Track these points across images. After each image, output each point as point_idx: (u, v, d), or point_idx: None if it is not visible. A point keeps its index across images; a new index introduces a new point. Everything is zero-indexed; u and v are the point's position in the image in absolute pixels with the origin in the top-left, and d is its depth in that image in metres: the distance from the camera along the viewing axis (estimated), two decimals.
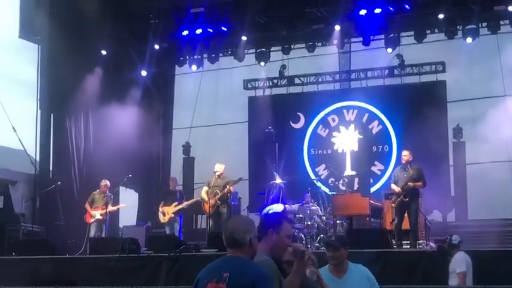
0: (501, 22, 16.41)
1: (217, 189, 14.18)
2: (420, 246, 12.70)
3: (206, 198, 14.20)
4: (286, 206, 14.34)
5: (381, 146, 17.99)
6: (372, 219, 14.36)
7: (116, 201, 16.10)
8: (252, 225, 4.53)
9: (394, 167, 15.78)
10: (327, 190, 16.23)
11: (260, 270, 4.30)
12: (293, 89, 19.44)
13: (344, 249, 5.74)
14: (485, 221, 16.46)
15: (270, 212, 4.94)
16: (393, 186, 13.02)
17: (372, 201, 13.50)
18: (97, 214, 15.08)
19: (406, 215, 12.76)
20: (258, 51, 18.42)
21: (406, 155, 13.07)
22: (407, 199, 12.64)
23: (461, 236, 16.08)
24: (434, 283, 9.77)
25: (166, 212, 15.15)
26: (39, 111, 16.89)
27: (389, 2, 16.14)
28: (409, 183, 12.66)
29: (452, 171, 17.30)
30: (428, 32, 17.01)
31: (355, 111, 18.35)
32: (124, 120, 17.71)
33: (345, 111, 18.48)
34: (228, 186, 14.18)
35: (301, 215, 14.42)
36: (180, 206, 15.08)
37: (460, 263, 9.27)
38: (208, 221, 14.40)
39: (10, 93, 17.72)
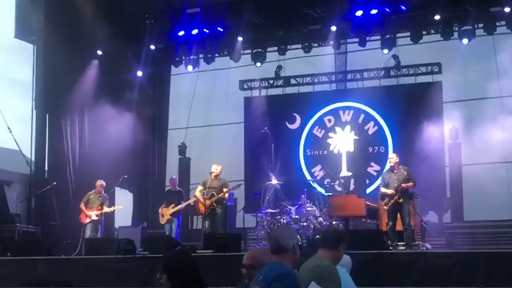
0: (497, 23, 16.40)
1: (213, 191, 14.13)
2: (416, 248, 12.70)
3: (201, 199, 14.16)
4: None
5: (376, 147, 17.98)
6: (368, 220, 14.38)
7: (111, 202, 16.07)
8: (295, 233, 5.07)
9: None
10: (322, 191, 16.24)
11: (282, 270, 4.63)
12: (289, 90, 19.42)
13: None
14: (480, 222, 16.51)
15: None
16: (384, 189, 13.05)
17: (367, 203, 13.50)
18: (93, 215, 15.06)
19: (398, 216, 12.81)
20: (254, 51, 18.41)
21: (393, 157, 13.23)
22: (401, 200, 12.69)
23: (457, 237, 16.30)
24: (429, 285, 9.77)
25: (165, 214, 15.15)
26: (34, 111, 16.84)
27: (385, 3, 16.13)
28: (402, 185, 12.72)
29: (448, 172, 17.30)
30: (424, 33, 17.02)
31: (351, 112, 18.34)
32: (119, 120, 17.69)
33: (341, 112, 18.46)
34: (225, 190, 14.14)
35: (297, 216, 14.44)
36: (177, 208, 15.06)
37: None
38: (204, 222, 14.36)
39: (5, 93, 17.74)
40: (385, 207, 12.93)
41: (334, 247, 5.40)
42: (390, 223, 12.77)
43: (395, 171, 13.00)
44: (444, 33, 16.61)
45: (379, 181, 17.01)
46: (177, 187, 15.87)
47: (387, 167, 16.05)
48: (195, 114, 19.89)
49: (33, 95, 16.90)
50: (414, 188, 13.33)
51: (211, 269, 10.83)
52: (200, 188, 14.38)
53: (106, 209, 15.26)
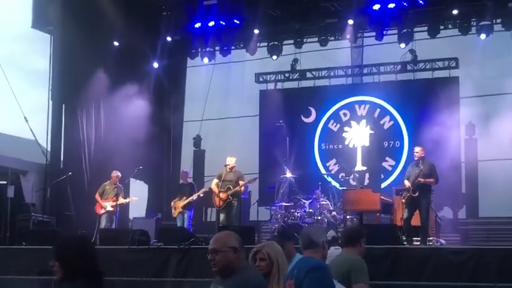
0: None
1: (229, 184, 14.13)
2: (430, 243, 12.66)
3: (216, 191, 14.16)
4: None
5: (392, 142, 17.91)
6: (382, 215, 14.35)
7: (126, 193, 16.13)
8: (324, 231, 5.64)
9: (405, 162, 15.77)
10: (337, 185, 16.21)
11: (315, 263, 4.92)
12: (305, 83, 19.38)
13: (289, 243, 6.07)
14: (495, 218, 16.44)
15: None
16: (405, 181, 13.02)
17: (382, 197, 13.44)
18: (108, 205, 15.12)
19: (417, 211, 12.75)
20: (270, 44, 18.36)
21: (418, 151, 13.05)
22: (416, 194, 12.61)
23: (472, 233, 16.24)
24: (443, 280, 9.74)
25: (177, 207, 15.19)
26: (50, 101, 16.90)
27: None
28: (420, 179, 12.64)
29: (463, 168, 17.23)
30: (441, 27, 16.92)
31: (367, 106, 18.28)
32: (135, 112, 17.75)
33: (356, 106, 18.41)
34: (241, 183, 14.14)
35: (311, 210, 14.43)
36: (188, 200, 15.10)
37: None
38: (219, 214, 14.37)
39: (22, 83, 17.81)
40: (402, 200, 12.90)
41: (357, 243, 5.88)
42: (406, 215, 12.70)
43: (419, 165, 12.90)
44: (462, 28, 16.50)
45: (394, 176, 17.07)
46: (188, 180, 15.91)
47: (403, 161, 16.02)
48: (211, 107, 19.90)
49: (50, 85, 16.96)
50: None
51: None
52: (216, 181, 14.38)
53: (121, 200, 15.33)
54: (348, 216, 14.11)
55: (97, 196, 15.30)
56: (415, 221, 12.76)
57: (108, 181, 15.42)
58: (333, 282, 4.98)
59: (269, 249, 5.07)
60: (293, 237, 6.26)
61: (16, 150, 17.15)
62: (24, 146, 16.84)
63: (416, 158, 13.00)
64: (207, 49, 18.70)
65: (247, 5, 17.24)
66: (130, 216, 17.50)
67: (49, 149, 16.61)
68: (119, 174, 15.45)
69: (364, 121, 18.15)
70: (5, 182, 16.03)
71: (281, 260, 5.05)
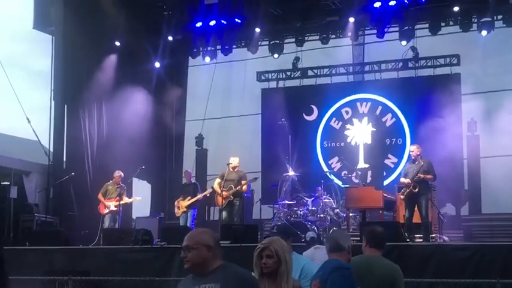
0: None
1: (231, 184, 14.14)
2: (433, 240, 12.65)
3: (219, 191, 14.19)
4: None
5: (394, 139, 17.94)
6: (385, 212, 14.34)
7: (129, 193, 16.14)
8: (349, 237, 5.69)
9: (408, 160, 15.74)
10: (340, 183, 16.23)
11: (338, 263, 5.15)
12: (306, 81, 19.40)
13: (288, 240, 6.01)
14: (498, 214, 16.43)
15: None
16: (402, 179, 13.00)
17: (385, 194, 13.45)
18: (111, 205, 15.13)
19: (416, 208, 12.74)
20: (271, 43, 18.37)
21: (413, 150, 13.06)
22: (416, 190, 12.57)
23: (475, 229, 16.23)
24: (446, 277, 9.74)
25: (181, 206, 15.21)
26: (53, 101, 16.91)
27: None
28: (420, 174, 12.62)
29: (466, 164, 17.24)
30: (443, 24, 16.93)
31: (369, 103, 18.30)
32: (137, 111, 17.77)
33: (358, 103, 18.43)
34: (243, 182, 14.15)
35: (313, 208, 14.45)
36: (193, 200, 15.11)
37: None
38: (221, 213, 14.39)
39: (24, 83, 17.81)
40: (401, 196, 12.89)
41: (383, 247, 6.03)
42: (406, 214, 12.70)
43: (416, 162, 12.90)
44: (463, 25, 16.51)
45: (396, 173, 17.07)
46: (191, 180, 15.92)
47: (405, 158, 16.01)
48: (212, 106, 19.93)
49: (52, 86, 16.97)
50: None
51: (228, 260, 10.87)
52: (218, 180, 14.39)
53: (125, 200, 15.34)
54: (350, 214, 14.12)
55: (100, 196, 15.30)
56: (416, 218, 12.75)
57: (111, 181, 15.43)
58: (355, 282, 5.05)
59: (277, 246, 4.70)
60: (292, 235, 6.26)
61: (19, 151, 17.18)
62: (27, 147, 16.87)
63: (413, 157, 13.00)
64: (209, 48, 18.73)
65: (248, 4, 17.24)
66: (134, 216, 17.51)
67: (51, 150, 16.62)
68: (121, 174, 15.46)
69: (366, 119, 18.17)
70: (8, 183, 16.07)
71: (288, 257, 4.72)
